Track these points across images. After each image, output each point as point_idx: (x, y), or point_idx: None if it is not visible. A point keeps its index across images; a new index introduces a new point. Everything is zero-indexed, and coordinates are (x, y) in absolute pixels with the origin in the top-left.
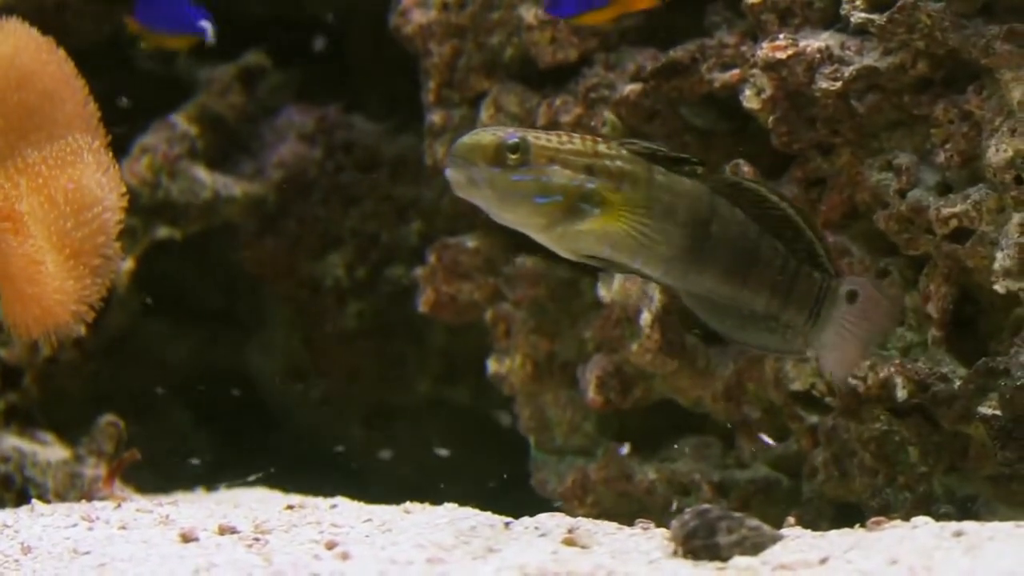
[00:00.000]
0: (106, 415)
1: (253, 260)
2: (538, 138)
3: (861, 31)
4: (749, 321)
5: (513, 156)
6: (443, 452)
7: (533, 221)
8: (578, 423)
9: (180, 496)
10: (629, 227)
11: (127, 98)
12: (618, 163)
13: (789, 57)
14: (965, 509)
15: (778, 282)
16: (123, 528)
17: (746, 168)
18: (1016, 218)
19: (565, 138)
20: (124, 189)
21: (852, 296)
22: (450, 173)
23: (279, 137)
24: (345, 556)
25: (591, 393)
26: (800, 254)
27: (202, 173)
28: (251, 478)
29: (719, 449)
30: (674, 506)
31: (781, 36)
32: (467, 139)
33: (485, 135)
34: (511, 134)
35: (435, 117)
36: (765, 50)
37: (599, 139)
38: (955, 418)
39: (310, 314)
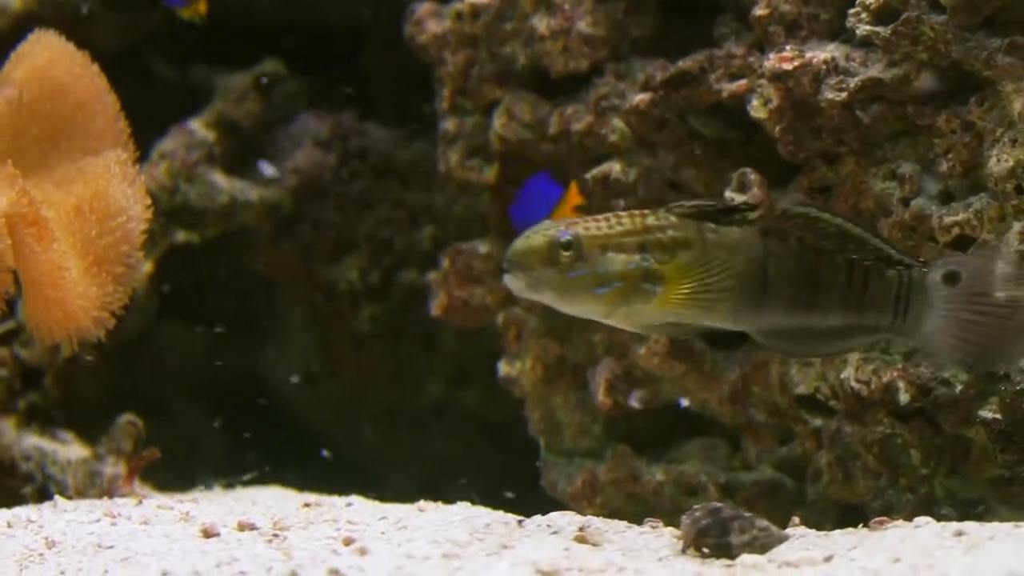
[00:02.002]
0: (125, 414)
1: (269, 264)
2: (588, 229)
3: (866, 43)
4: (832, 336)
5: (566, 254)
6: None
7: (598, 311)
8: (587, 425)
9: (198, 494)
10: (690, 295)
11: (146, 105)
12: (669, 232)
13: (795, 68)
14: (967, 512)
15: (847, 295)
16: (145, 523)
17: (753, 176)
18: (1016, 226)
19: (613, 220)
20: (149, 201)
21: (951, 278)
22: (508, 279)
23: (294, 143)
24: (363, 551)
25: (600, 396)
26: (870, 260)
27: (219, 178)
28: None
29: (725, 451)
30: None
31: (788, 47)
32: (520, 244)
33: (536, 237)
34: (563, 232)
35: (448, 125)
36: (772, 61)
37: (646, 212)
38: (956, 422)
39: (324, 317)
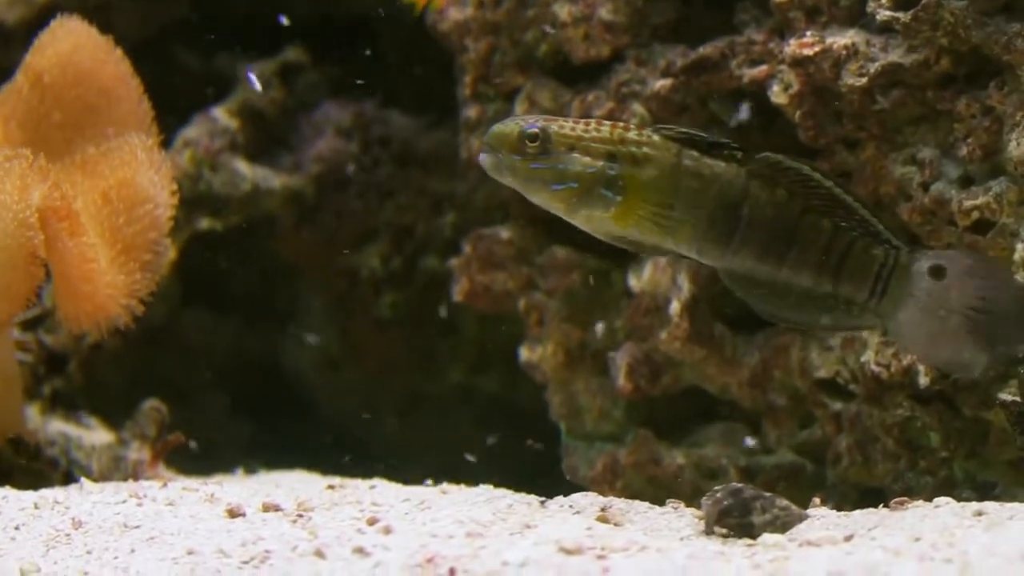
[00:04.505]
0: (149, 400)
1: (291, 251)
2: (561, 127)
3: (886, 28)
4: (807, 302)
5: (532, 145)
6: (471, 458)
7: (553, 206)
8: (608, 409)
9: (221, 478)
10: (649, 212)
11: (169, 93)
12: (644, 149)
13: (816, 54)
14: (985, 495)
15: (824, 260)
16: (170, 504)
17: None
18: None
19: (593, 124)
20: (175, 187)
21: (938, 271)
22: (481, 156)
23: (317, 131)
24: (387, 530)
25: (621, 380)
26: (857, 231)
27: (242, 166)
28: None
29: (746, 435)
30: None
31: (808, 33)
32: (497, 127)
33: (510, 124)
34: (532, 123)
35: (471, 112)
36: (793, 47)
37: (630, 126)
38: (976, 404)
39: (346, 304)
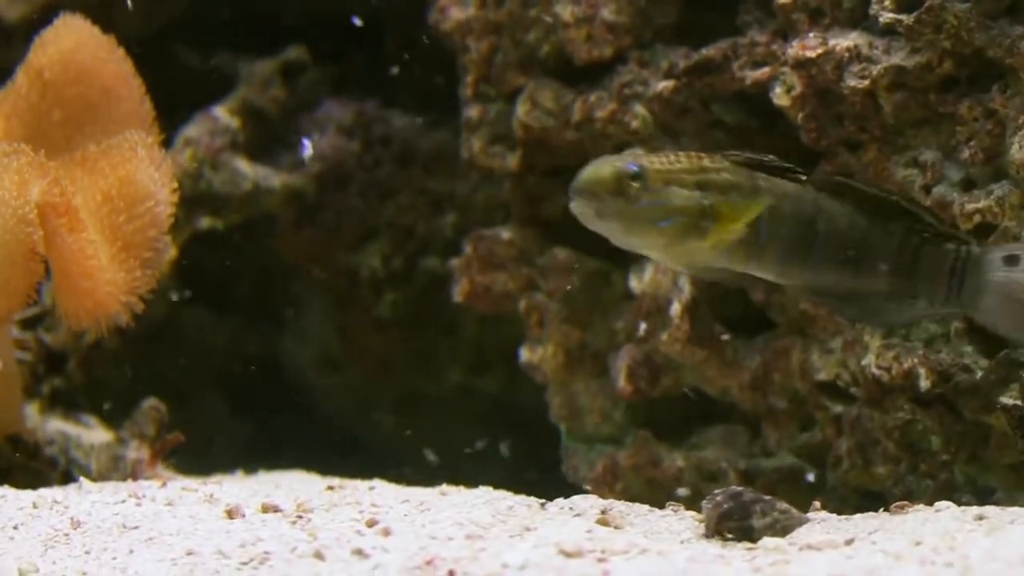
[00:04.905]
0: (148, 399)
1: (291, 250)
2: (652, 163)
3: (889, 31)
4: (888, 303)
5: (634, 185)
6: (479, 444)
7: (658, 243)
8: (608, 411)
9: (221, 477)
10: (741, 237)
11: (170, 91)
12: (724, 175)
13: (819, 56)
14: (985, 500)
15: (899, 264)
16: (169, 505)
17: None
18: None
19: (672, 158)
20: (176, 185)
21: (1012, 259)
22: (575, 206)
23: (318, 130)
24: (386, 532)
25: (621, 382)
26: (925, 234)
27: (243, 165)
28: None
29: (746, 438)
30: None
31: (811, 35)
32: (588, 173)
33: (605, 167)
34: (630, 163)
35: (472, 112)
36: (795, 49)
37: (702, 155)
38: (977, 408)
39: (346, 304)
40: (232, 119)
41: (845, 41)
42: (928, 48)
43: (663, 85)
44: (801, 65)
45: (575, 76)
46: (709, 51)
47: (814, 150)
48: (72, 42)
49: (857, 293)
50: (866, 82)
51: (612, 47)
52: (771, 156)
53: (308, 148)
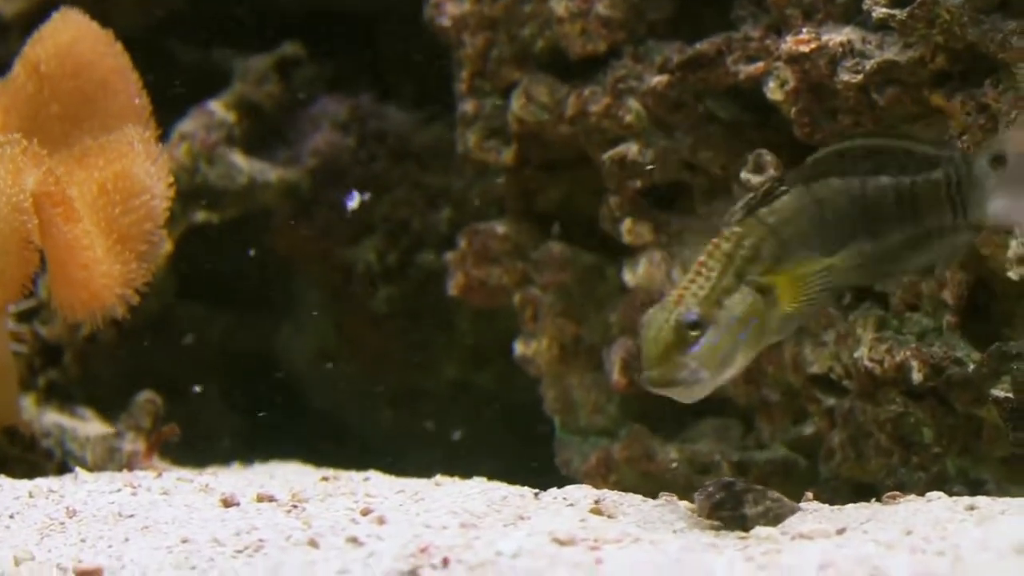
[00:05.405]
0: (145, 392)
1: (287, 245)
2: (695, 295)
3: (882, 26)
4: (910, 251)
5: (694, 333)
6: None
7: (750, 354)
8: (602, 404)
9: (216, 469)
10: (798, 277)
11: (167, 86)
12: (745, 243)
13: (812, 51)
14: (976, 492)
15: (902, 210)
16: (165, 494)
17: (768, 157)
18: None
19: (703, 271)
20: (172, 179)
21: (998, 160)
22: (664, 392)
23: (314, 126)
24: (381, 520)
25: (615, 375)
26: (911, 167)
27: (239, 159)
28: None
29: (739, 430)
30: None
31: (805, 30)
32: (650, 348)
33: (660, 331)
34: (688, 313)
35: (467, 106)
36: (789, 44)
37: (716, 242)
38: (969, 401)
39: (342, 298)
40: (228, 114)
41: (838, 36)
42: (921, 43)
43: (657, 80)
44: (794, 60)
45: (570, 71)
46: (703, 46)
47: (807, 144)
48: (70, 36)
49: (881, 258)
50: (859, 77)
51: (606, 42)
52: (753, 193)
53: (355, 199)
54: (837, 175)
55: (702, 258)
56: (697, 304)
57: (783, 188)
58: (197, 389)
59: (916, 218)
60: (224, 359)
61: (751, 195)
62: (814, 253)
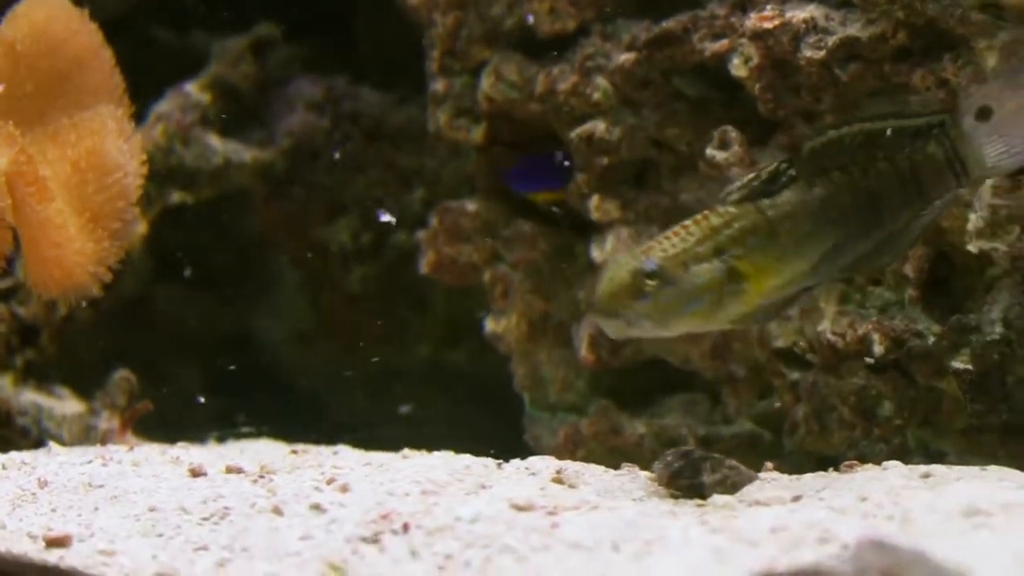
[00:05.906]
0: (120, 370)
1: (262, 225)
2: (665, 251)
3: (845, 3)
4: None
5: (651, 283)
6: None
7: (698, 324)
8: (571, 381)
9: (188, 444)
10: (777, 275)
11: (145, 68)
12: (735, 225)
13: (775, 27)
14: (937, 462)
15: (907, 192)
16: (135, 465)
17: (733, 134)
18: (989, 181)
19: (683, 232)
20: (145, 157)
21: (984, 113)
22: (604, 325)
23: (289, 107)
24: (344, 489)
25: (584, 351)
26: (905, 145)
27: (214, 140)
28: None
29: (706, 405)
30: None
31: (769, 7)
32: (604, 287)
33: (619, 272)
34: (646, 261)
35: (438, 85)
36: (753, 20)
37: (707, 214)
38: (929, 373)
39: (317, 278)
40: (203, 95)
41: (802, 13)
42: (883, 19)
43: (624, 58)
44: (758, 36)
45: (539, 49)
46: (669, 24)
47: (771, 120)
48: (44, 15)
49: (892, 236)
50: (822, 53)
51: (575, 20)
52: (756, 173)
53: (385, 216)
54: (839, 165)
55: (687, 222)
56: (663, 259)
57: (789, 172)
58: (173, 369)
59: (922, 195)
60: (201, 339)
61: (753, 175)
62: (807, 255)
